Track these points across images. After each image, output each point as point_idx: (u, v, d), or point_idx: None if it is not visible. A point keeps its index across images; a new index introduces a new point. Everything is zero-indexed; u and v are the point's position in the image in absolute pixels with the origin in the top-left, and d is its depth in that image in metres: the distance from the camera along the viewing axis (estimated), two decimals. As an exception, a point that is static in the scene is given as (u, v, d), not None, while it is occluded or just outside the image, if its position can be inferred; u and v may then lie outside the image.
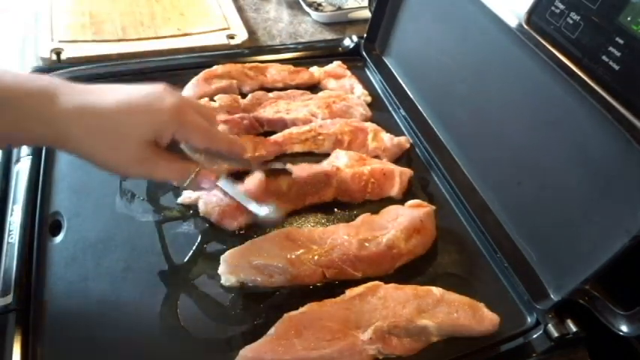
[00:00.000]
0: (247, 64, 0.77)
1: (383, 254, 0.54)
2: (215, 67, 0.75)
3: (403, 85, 0.78)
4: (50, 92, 0.41)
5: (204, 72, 0.74)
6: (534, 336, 0.51)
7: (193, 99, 0.49)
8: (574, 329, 0.50)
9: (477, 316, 0.50)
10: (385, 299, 0.49)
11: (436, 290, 0.51)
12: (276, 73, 0.78)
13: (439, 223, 0.61)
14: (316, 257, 0.52)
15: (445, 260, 0.58)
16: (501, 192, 0.60)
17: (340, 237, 0.54)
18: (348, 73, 0.80)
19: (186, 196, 0.59)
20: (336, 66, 0.81)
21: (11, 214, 0.55)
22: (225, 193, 0.53)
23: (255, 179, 0.55)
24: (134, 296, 0.50)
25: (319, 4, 1.02)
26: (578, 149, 0.49)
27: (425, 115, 0.73)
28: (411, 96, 0.76)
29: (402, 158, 0.70)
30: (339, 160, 0.64)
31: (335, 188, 0.61)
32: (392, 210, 0.59)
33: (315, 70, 0.80)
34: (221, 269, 0.51)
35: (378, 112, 0.77)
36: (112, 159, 0.43)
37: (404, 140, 0.70)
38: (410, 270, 0.56)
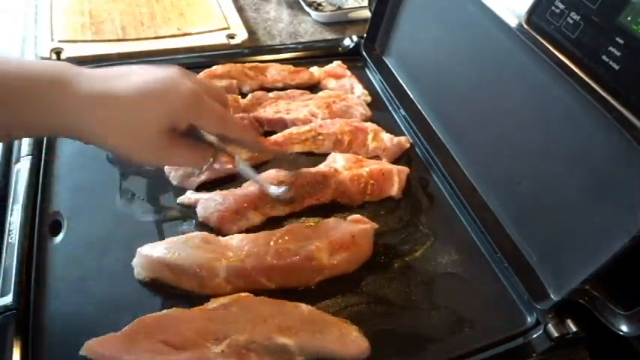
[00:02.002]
0: (247, 64, 0.77)
1: (300, 265, 0.52)
2: (215, 67, 0.75)
3: (403, 85, 0.78)
4: (62, 80, 0.39)
5: (204, 72, 0.74)
6: (534, 336, 0.51)
7: (206, 80, 0.48)
8: (574, 329, 0.50)
9: (342, 340, 0.47)
10: (249, 311, 0.47)
11: (305, 308, 0.48)
12: (276, 73, 0.78)
13: (439, 223, 0.62)
14: (227, 264, 0.50)
15: (445, 260, 0.58)
16: (501, 192, 0.60)
17: (258, 245, 0.53)
18: (348, 73, 0.80)
19: (186, 197, 0.59)
20: (336, 66, 0.81)
21: (11, 214, 0.54)
22: (243, 176, 0.55)
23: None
24: (134, 296, 0.50)
25: (319, 4, 1.02)
26: (578, 149, 0.49)
27: (425, 115, 0.73)
28: (411, 96, 0.76)
29: (402, 158, 0.70)
30: (337, 163, 0.63)
31: (333, 190, 0.61)
32: (329, 222, 0.57)
33: (315, 70, 0.80)
34: (135, 261, 0.51)
35: (378, 112, 0.77)
36: (128, 148, 0.42)
37: (404, 140, 0.70)
38: (409, 270, 0.56)
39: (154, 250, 0.51)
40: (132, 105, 0.40)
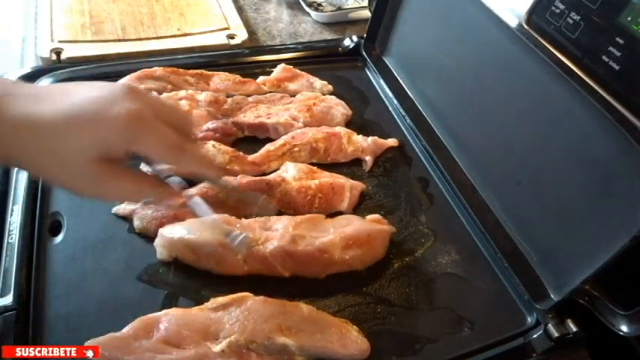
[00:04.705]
0: (191, 71, 0.74)
1: (312, 256, 0.52)
2: (155, 67, 0.72)
3: (403, 85, 0.78)
4: None
5: (142, 70, 0.71)
6: (534, 336, 0.51)
7: (165, 101, 0.41)
8: (574, 329, 0.50)
9: (342, 340, 0.47)
10: (249, 312, 0.47)
11: (304, 308, 0.48)
12: (219, 82, 0.75)
13: (439, 223, 0.62)
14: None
15: (445, 260, 0.58)
16: (501, 192, 0.60)
17: (278, 229, 0.53)
18: (299, 71, 0.79)
19: (121, 208, 0.56)
20: (281, 70, 0.79)
21: (11, 214, 0.54)
22: (195, 213, 0.48)
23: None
24: (134, 296, 0.50)
25: (319, 4, 1.02)
26: (578, 149, 0.49)
27: (425, 115, 0.73)
28: (411, 96, 0.76)
29: (402, 158, 0.70)
30: (287, 173, 0.62)
31: (278, 200, 0.59)
32: (347, 217, 0.58)
33: (264, 79, 0.77)
34: (157, 241, 0.52)
35: (378, 112, 0.77)
36: (58, 178, 0.38)
37: (379, 140, 0.69)
38: (409, 270, 0.56)
39: (175, 231, 0.52)
40: (56, 131, 0.35)
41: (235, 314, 0.47)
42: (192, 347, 0.44)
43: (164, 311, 0.47)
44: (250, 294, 0.49)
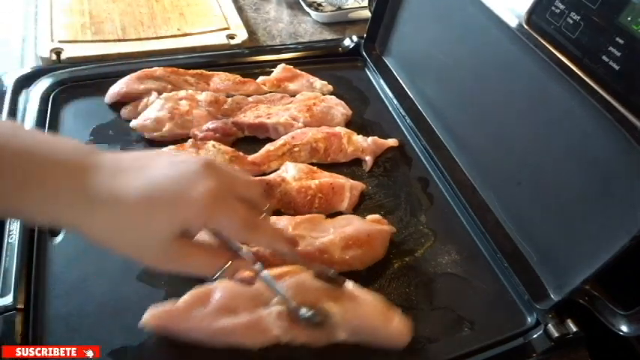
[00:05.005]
0: (191, 71, 0.74)
1: (312, 256, 0.52)
2: (155, 67, 0.72)
3: (403, 85, 0.78)
4: (82, 169, 0.35)
5: (142, 70, 0.71)
6: (534, 336, 0.51)
7: (237, 173, 0.42)
8: (574, 329, 0.50)
9: (386, 320, 0.48)
10: (300, 284, 0.48)
11: (351, 284, 0.49)
12: (220, 82, 0.75)
13: (439, 223, 0.62)
14: (247, 246, 0.51)
15: (445, 260, 0.58)
16: (501, 192, 0.60)
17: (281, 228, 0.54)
18: (299, 71, 0.79)
19: None
20: (281, 70, 0.79)
21: (11, 214, 0.54)
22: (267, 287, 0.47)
23: None
24: (134, 296, 0.50)
25: (319, 4, 1.02)
26: (578, 149, 0.49)
27: (425, 115, 0.73)
28: (411, 96, 0.76)
29: (402, 158, 0.70)
30: (287, 173, 0.62)
31: (278, 200, 0.59)
32: (347, 218, 0.58)
33: (264, 79, 0.77)
34: None
35: (377, 112, 0.77)
36: (130, 254, 0.38)
37: (376, 138, 0.69)
38: (409, 270, 0.56)
39: None
40: (135, 211, 0.36)
41: (287, 283, 0.48)
42: (247, 313, 0.45)
43: (216, 282, 0.47)
44: (303, 270, 0.49)
